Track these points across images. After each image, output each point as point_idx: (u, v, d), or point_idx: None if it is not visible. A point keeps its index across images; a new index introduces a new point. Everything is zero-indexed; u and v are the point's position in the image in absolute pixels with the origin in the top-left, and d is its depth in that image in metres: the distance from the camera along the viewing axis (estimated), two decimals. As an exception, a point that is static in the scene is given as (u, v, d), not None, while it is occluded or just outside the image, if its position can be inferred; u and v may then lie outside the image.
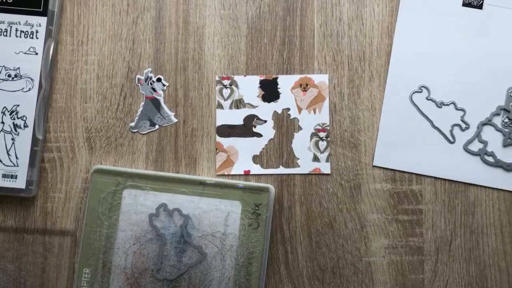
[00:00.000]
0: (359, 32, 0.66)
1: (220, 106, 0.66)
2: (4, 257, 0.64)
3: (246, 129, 0.65)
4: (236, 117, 0.66)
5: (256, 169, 0.65)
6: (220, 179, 0.64)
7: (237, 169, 0.65)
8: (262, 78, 0.66)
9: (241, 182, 0.63)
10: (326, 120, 0.65)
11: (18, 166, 0.63)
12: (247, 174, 0.65)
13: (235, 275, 0.62)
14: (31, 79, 0.64)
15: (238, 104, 0.66)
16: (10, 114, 0.64)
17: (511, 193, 0.64)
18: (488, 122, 0.64)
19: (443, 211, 0.64)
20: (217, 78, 0.66)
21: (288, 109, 0.66)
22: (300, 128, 0.65)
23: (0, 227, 0.64)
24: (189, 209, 0.62)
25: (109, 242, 0.62)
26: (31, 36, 0.64)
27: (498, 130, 0.64)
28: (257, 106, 0.66)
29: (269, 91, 0.66)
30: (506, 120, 0.64)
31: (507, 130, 0.64)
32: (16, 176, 0.63)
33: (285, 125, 0.65)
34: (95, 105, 0.66)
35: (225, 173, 0.65)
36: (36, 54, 0.64)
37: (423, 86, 0.65)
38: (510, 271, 0.63)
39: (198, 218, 0.62)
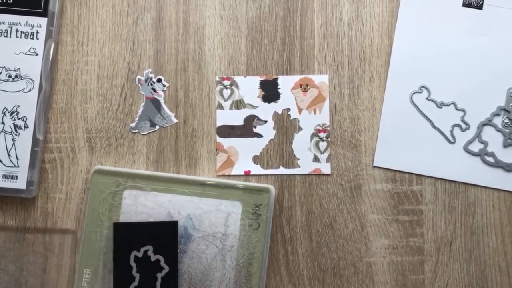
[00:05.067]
0: (359, 33, 0.66)
1: (220, 106, 0.66)
2: (5, 257, 0.64)
3: (247, 129, 0.65)
4: (236, 118, 0.66)
5: (257, 169, 0.65)
6: (220, 180, 0.64)
7: (238, 170, 0.65)
8: (262, 79, 0.66)
9: (241, 183, 0.63)
10: (326, 120, 0.65)
11: (18, 166, 0.63)
12: (247, 174, 0.65)
13: (236, 276, 0.62)
14: (32, 80, 0.64)
15: (239, 104, 0.66)
16: (10, 115, 0.64)
17: (511, 193, 0.64)
18: (488, 123, 0.64)
19: (444, 212, 0.64)
20: (217, 79, 0.66)
21: (289, 109, 0.66)
22: (300, 129, 0.65)
23: (1, 227, 0.64)
24: (190, 209, 0.62)
25: (110, 242, 0.62)
26: (31, 36, 0.64)
27: (498, 130, 0.64)
28: (257, 107, 0.66)
29: (269, 92, 0.66)
30: (506, 120, 0.64)
31: (507, 130, 0.64)
32: (17, 176, 0.63)
33: (286, 126, 0.65)
34: (95, 105, 0.66)
35: (226, 174, 0.65)
36: (37, 54, 0.64)
37: (423, 86, 0.65)
38: (511, 271, 0.63)
39: (198, 219, 0.62)
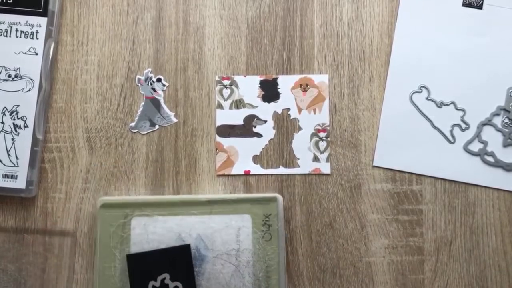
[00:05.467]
0: (359, 32, 0.66)
1: (220, 106, 0.66)
2: (4, 258, 0.64)
3: (246, 129, 0.65)
4: (236, 117, 0.66)
5: (256, 169, 0.65)
6: (227, 195, 0.63)
7: (237, 169, 0.65)
8: (262, 78, 0.66)
9: (248, 195, 0.63)
10: (326, 120, 0.65)
11: (18, 166, 0.63)
12: (247, 174, 0.65)
13: None
14: (31, 80, 0.64)
15: (238, 104, 0.66)
16: (10, 115, 0.64)
17: (511, 193, 0.64)
18: (488, 122, 0.64)
19: (443, 211, 0.64)
20: (217, 78, 0.66)
21: (288, 109, 0.66)
22: (300, 128, 0.65)
23: (1, 227, 0.64)
24: (200, 230, 0.61)
25: (125, 275, 0.60)
26: (31, 36, 0.64)
27: (498, 130, 0.64)
28: (257, 106, 0.66)
29: (269, 91, 0.66)
30: (506, 120, 0.64)
31: (507, 130, 0.64)
32: (16, 176, 0.63)
33: (285, 125, 0.65)
34: (95, 105, 0.66)
35: (225, 173, 0.65)
36: (36, 54, 0.64)
37: (423, 86, 0.65)
38: (511, 271, 0.63)
39: (210, 238, 0.61)
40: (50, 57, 0.65)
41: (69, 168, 0.65)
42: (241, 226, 0.61)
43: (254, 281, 0.60)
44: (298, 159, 0.65)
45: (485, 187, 0.64)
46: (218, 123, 0.65)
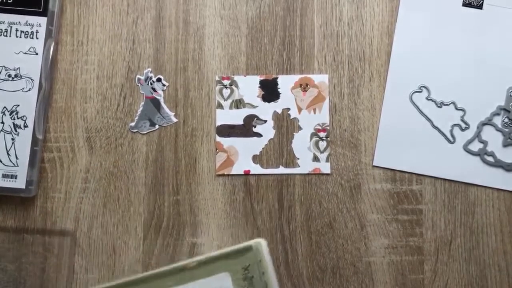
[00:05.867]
0: (359, 32, 0.66)
1: (220, 106, 0.66)
2: (4, 257, 0.64)
3: (246, 129, 0.65)
4: (236, 117, 0.66)
5: (256, 169, 0.65)
6: (199, 257, 0.60)
7: (237, 169, 0.65)
8: (262, 78, 0.66)
9: (221, 251, 0.59)
10: (326, 120, 0.65)
11: (18, 166, 0.63)
12: (247, 174, 0.65)
13: None
14: (31, 79, 0.64)
15: (238, 104, 0.66)
16: (10, 114, 0.64)
17: (511, 193, 0.64)
18: (488, 122, 0.64)
19: (443, 211, 0.64)
20: (217, 78, 0.66)
21: (288, 109, 0.66)
22: (300, 128, 0.65)
23: (0, 227, 0.64)
24: None
25: None
26: (31, 36, 0.64)
27: (498, 130, 0.64)
28: (257, 106, 0.66)
29: (269, 91, 0.66)
30: (506, 120, 0.64)
31: (507, 130, 0.64)
32: (16, 176, 0.63)
33: (285, 125, 0.65)
34: (95, 105, 0.66)
35: (225, 173, 0.65)
36: (36, 54, 0.64)
37: (423, 86, 0.65)
38: (510, 271, 0.63)
39: None
40: (50, 57, 0.65)
41: (69, 168, 0.65)
42: (220, 286, 0.57)
43: None
44: (298, 159, 0.65)
45: (485, 187, 0.64)
46: (218, 123, 0.65)
